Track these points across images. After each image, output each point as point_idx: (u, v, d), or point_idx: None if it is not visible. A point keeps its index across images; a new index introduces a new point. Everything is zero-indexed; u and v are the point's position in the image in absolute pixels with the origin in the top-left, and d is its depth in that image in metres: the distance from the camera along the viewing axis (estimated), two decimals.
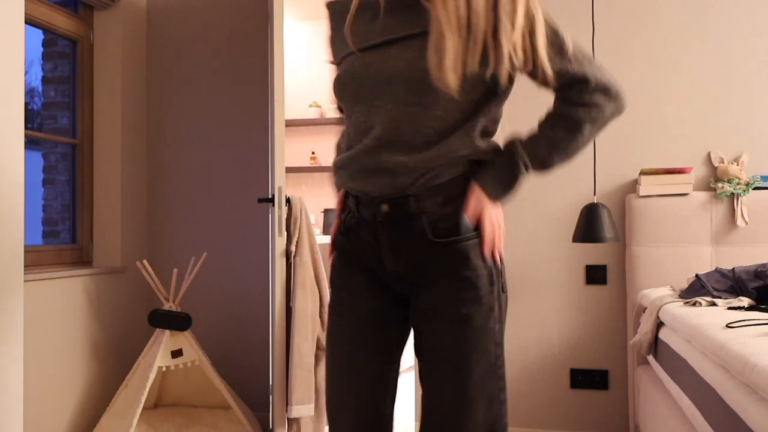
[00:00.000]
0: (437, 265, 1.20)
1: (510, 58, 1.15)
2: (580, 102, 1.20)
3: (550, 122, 1.25)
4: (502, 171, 1.22)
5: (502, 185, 1.22)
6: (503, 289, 1.23)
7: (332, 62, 1.37)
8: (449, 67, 1.11)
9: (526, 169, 1.23)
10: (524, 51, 1.17)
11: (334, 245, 1.33)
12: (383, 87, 1.19)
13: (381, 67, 1.19)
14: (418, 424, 1.38)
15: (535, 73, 1.21)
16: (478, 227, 1.21)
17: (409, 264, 1.22)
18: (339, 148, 1.38)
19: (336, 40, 1.33)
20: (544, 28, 1.21)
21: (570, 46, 1.22)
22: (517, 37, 1.15)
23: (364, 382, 1.25)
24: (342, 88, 1.25)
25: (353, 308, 1.27)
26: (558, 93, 1.24)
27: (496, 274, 1.21)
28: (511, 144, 1.25)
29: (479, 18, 1.13)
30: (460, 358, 1.17)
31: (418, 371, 1.32)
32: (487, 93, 1.23)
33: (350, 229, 1.27)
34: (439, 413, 1.18)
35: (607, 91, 1.20)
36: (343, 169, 1.25)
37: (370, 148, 1.20)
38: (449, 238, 1.18)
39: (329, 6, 1.37)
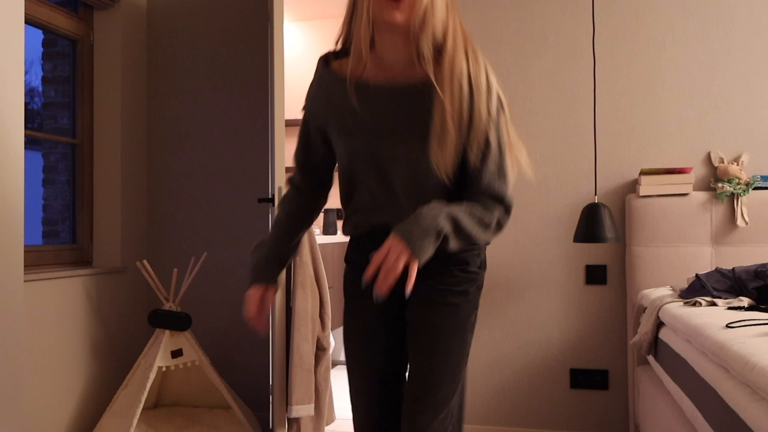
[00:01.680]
0: (438, 269, 1.40)
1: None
2: (491, 211, 1.35)
3: (467, 206, 1.34)
4: (423, 221, 1.27)
5: (422, 234, 1.26)
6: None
7: (318, 125, 1.47)
8: (449, 155, 1.30)
9: (442, 233, 1.28)
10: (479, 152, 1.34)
11: (347, 259, 1.54)
12: (393, 170, 1.38)
13: (389, 158, 1.37)
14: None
15: (469, 172, 1.36)
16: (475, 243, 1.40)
17: (417, 286, 1.42)
18: (349, 203, 1.50)
19: (320, 106, 1.44)
20: (498, 150, 1.37)
21: (505, 164, 1.38)
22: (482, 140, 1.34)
23: (382, 369, 1.48)
24: (353, 168, 1.42)
25: (366, 309, 1.48)
26: (474, 193, 1.36)
27: (481, 283, 1.46)
28: (439, 205, 1.31)
29: (480, 115, 1.32)
30: (443, 339, 1.39)
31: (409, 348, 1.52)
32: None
33: (362, 243, 1.48)
34: (415, 382, 1.41)
35: (508, 210, 1.37)
36: (364, 212, 1.45)
37: (390, 200, 1.41)
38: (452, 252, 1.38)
39: (319, 67, 1.45)
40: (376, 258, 1.23)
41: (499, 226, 1.36)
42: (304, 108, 1.50)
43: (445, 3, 1.33)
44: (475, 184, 1.35)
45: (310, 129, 1.49)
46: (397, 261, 1.22)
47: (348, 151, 1.41)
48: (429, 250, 1.25)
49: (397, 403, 1.50)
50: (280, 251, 1.53)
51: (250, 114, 3.13)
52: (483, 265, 1.47)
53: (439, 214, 1.26)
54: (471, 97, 1.31)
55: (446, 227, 1.26)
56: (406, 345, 1.50)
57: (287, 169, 4.38)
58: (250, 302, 1.48)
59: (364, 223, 1.45)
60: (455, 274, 1.40)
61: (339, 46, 1.44)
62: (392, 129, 1.36)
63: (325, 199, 1.60)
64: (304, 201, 1.56)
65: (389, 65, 1.37)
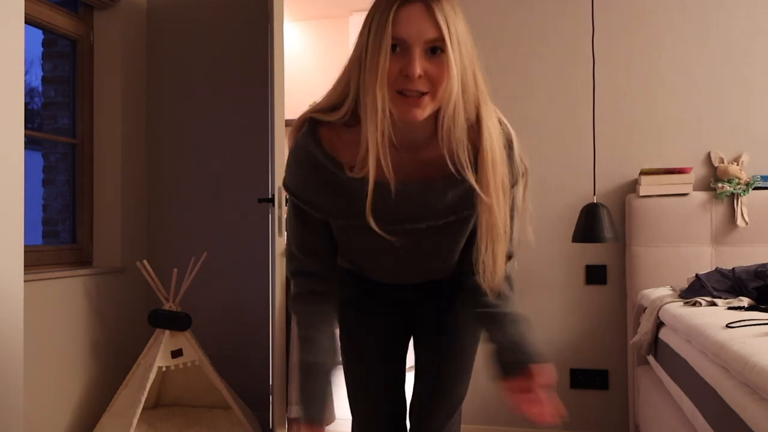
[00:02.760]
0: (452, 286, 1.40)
1: None
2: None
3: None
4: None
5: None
6: None
7: (311, 209, 1.22)
8: (500, 265, 1.23)
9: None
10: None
11: (345, 285, 1.43)
12: (411, 264, 1.32)
13: (404, 247, 1.24)
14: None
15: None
16: None
17: (429, 289, 1.43)
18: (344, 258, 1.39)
19: (316, 195, 1.19)
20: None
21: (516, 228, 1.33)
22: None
23: (386, 385, 1.46)
24: (361, 255, 1.32)
25: (373, 325, 1.45)
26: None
27: None
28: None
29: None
30: (458, 337, 1.41)
31: (415, 355, 1.50)
32: None
33: (361, 280, 1.41)
34: (435, 378, 1.40)
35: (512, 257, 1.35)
36: (364, 270, 1.39)
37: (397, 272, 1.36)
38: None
39: (315, 152, 1.17)
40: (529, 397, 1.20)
41: (513, 280, 1.38)
42: (291, 194, 1.21)
43: (473, 69, 1.10)
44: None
45: (308, 214, 1.22)
46: (550, 408, 1.20)
47: (354, 245, 1.27)
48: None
49: (402, 407, 1.49)
50: (329, 386, 1.26)
51: (250, 114, 3.13)
52: None
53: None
54: (512, 186, 1.19)
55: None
56: (407, 349, 1.50)
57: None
58: None
59: (366, 274, 1.40)
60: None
61: (329, 113, 1.15)
62: (414, 226, 1.20)
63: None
64: (332, 302, 1.29)
65: (408, 144, 1.15)
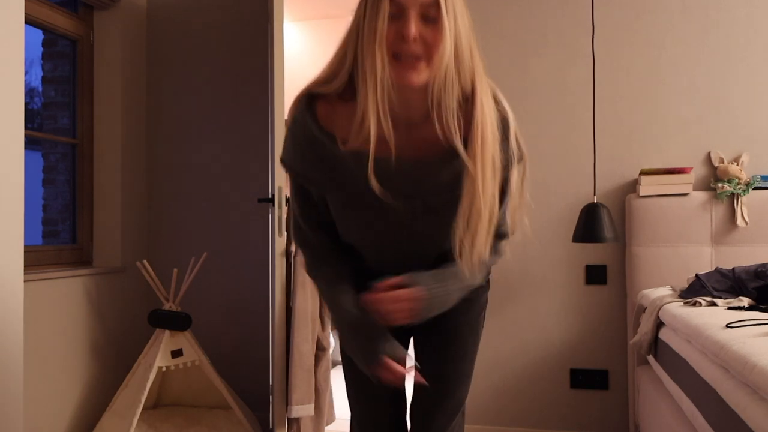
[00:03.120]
0: None
1: None
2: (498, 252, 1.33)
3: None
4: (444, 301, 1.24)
5: (436, 308, 1.23)
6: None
7: (304, 183, 1.26)
8: (482, 242, 1.17)
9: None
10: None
11: None
12: (405, 238, 1.28)
13: (400, 226, 1.24)
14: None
15: None
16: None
17: None
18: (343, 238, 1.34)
19: (312, 168, 1.22)
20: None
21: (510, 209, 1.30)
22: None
23: (386, 384, 1.36)
24: (353, 231, 1.28)
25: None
26: None
27: (488, 280, 1.44)
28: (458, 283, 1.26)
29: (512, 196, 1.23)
30: (461, 338, 1.39)
31: (415, 355, 1.46)
32: None
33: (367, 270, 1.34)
34: (436, 380, 1.37)
35: (507, 236, 1.34)
36: (359, 252, 1.34)
37: (401, 261, 1.27)
38: None
39: (311, 126, 1.20)
40: (385, 294, 1.16)
41: (500, 255, 1.31)
42: (289, 169, 1.25)
43: (468, 42, 1.13)
44: None
45: (305, 187, 1.26)
46: (402, 312, 1.17)
47: (352, 223, 1.26)
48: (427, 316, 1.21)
49: (402, 408, 1.47)
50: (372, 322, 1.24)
51: (250, 114, 3.13)
52: None
53: (455, 294, 1.23)
54: (505, 167, 1.18)
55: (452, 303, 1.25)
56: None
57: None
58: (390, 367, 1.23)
59: (368, 262, 1.36)
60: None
61: (326, 85, 1.17)
62: (410, 203, 1.20)
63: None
64: (343, 254, 1.32)
65: (403, 122, 1.16)
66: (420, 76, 1.09)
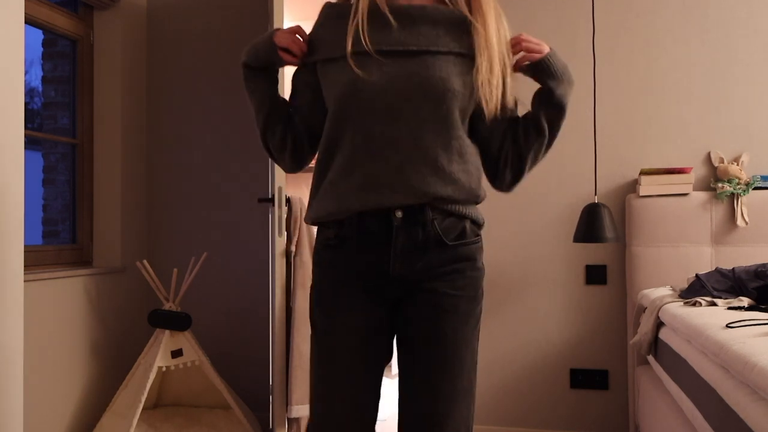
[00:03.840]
0: (444, 266, 1.26)
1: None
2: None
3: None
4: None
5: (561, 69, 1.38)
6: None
7: (308, 61, 1.35)
8: (498, 95, 1.30)
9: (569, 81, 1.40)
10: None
11: (320, 262, 1.32)
12: (404, 101, 1.23)
13: (403, 80, 1.23)
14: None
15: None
16: (480, 231, 1.32)
17: (416, 267, 1.26)
18: (325, 168, 1.30)
19: (327, 40, 1.31)
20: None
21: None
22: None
23: (359, 396, 1.28)
24: (352, 94, 1.24)
25: (350, 328, 1.28)
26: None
27: (483, 280, 1.32)
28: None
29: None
30: (457, 354, 1.25)
31: (401, 364, 1.32)
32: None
33: (346, 242, 1.27)
34: (429, 404, 1.25)
35: None
36: (348, 185, 1.24)
37: (392, 163, 1.22)
38: (460, 241, 1.27)
39: (329, 6, 1.35)
40: (530, 43, 1.31)
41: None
42: (304, 49, 1.35)
43: None
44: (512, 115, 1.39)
45: (298, 81, 1.41)
46: (540, 46, 1.31)
47: (353, 75, 1.22)
48: (562, 68, 1.35)
49: (372, 417, 1.31)
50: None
51: (250, 114, 3.12)
52: (483, 264, 1.33)
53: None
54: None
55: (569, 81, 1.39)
56: (388, 357, 1.34)
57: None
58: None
59: (350, 199, 1.23)
60: (466, 275, 1.27)
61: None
62: (424, 44, 1.26)
63: (309, 153, 1.43)
64: (301, 132, 1.41)
65: None
66: None
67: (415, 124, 1.22)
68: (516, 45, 1.33)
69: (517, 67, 1.36)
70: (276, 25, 2.63)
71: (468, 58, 1.27)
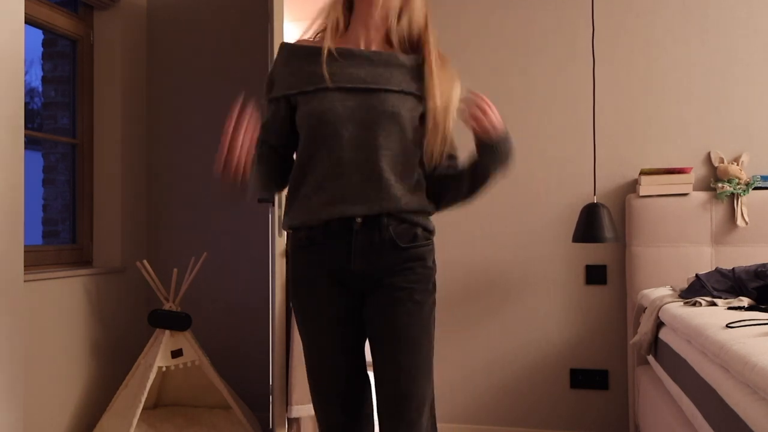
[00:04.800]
0: (399, 264, 1.48)
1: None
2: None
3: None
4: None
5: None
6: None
7: (278, 95, 1.53)
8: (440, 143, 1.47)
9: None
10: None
11: (294, 260, 1.54)
12: (365, 130, 1.44)
13: (363, 112, 1.45)
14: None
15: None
16: (431, 237, 1.54)
17: (375, 264, 1.47)
18: (299, 183, 1.51)
19: (297, 76, 1.50)
20: None
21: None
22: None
23: (345, 376, 1.51)
24: (322, 124, 1.45)
25: (324, 314, 1.51)
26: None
27: (435, 280, 1.53)
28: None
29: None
30: (414, 336, 1.45)
31: (371, 352, 1.54)
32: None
33: (315, 242, 1.49)
34: (394, 382, 1.45)
35: None
36: (318, 200, 1.46)
37: (354, 182, 1.44)
38: (412, 243, 1.49)
39: (291, 46, 1.55)
40: (481, 101, 1.41)
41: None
42: (269, 82, 1.54)
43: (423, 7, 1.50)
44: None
45: (273, 106, 1.54)
46: (492, 116, 1.40)
47: (323, 108, 1.44)
48: (506, 153, 1.45)
49: (362, 403, 1.54)
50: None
51: None
52: (435, 263, 1.54)
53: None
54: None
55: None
56: (364, 342, 1.56)
57: None
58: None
59: (320, 211, 1.46)
60: (417, 271, 1.48)
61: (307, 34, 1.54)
62: (381, 83, 1.46)
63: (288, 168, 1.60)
64: (280, 156, 1.58)
65: (367, 41, 1.52)
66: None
67: (372, 149, 1.44)
68: (471, 109, 1.44)
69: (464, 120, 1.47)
70: (276, 25, 2.63)
71: (417, 97, 1.49)
